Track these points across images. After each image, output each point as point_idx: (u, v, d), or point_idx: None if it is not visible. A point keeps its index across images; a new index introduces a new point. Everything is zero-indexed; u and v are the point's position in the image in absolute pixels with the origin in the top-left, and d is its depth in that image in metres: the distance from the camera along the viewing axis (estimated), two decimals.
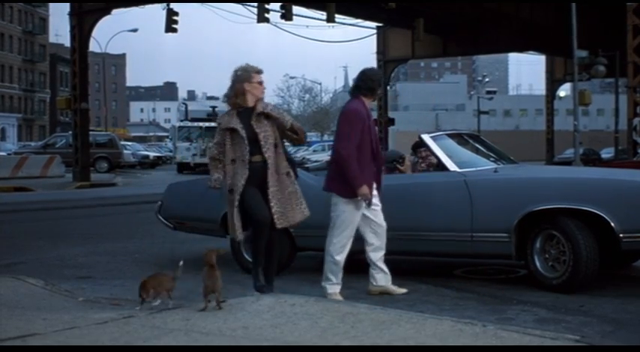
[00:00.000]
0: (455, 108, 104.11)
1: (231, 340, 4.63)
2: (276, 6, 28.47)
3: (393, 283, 6.94)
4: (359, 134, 6.43)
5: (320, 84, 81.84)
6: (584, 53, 28.83)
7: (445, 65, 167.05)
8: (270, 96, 64.78)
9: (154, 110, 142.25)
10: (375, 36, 40.99)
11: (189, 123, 40.24)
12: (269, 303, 5.53)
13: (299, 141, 6.52)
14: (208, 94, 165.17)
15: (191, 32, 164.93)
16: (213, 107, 44.04)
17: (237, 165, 6.26)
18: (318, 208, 6.69)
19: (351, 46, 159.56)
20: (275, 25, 30.55)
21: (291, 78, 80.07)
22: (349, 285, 6.85)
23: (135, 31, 60.78)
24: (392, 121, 40.94)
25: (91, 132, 32.22)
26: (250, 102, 6.32)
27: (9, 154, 38.49)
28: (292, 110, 73.87)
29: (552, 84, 47.57)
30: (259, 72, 6.41)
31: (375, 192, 6.62)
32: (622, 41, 24.17)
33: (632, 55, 22.13)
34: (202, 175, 13.56)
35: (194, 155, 38.05)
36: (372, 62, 40.28)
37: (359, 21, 37.08)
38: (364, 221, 6.68)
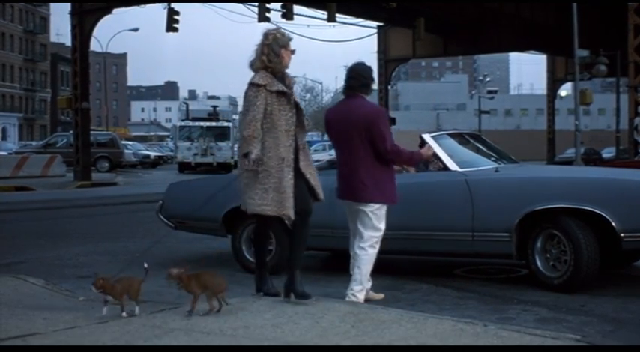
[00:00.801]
0: (456, 108, 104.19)
1: (232, 339, 4.63)
2: (277, 5, 28.51)
3: (393, 283, 6.93)
4: (390, 131, 6.28)
5: (321, 83, 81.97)
6: (585, 53, 28.83)
7: (446, 65, 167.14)
8: None
9: (154, 109, 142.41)
10: (376, 35, 41.02)
11: (190, 123, 40.23)
12: (270, 303, 5.53)
13: None
14: (209, 94, 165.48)
15: (192, 32, 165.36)
16: (214, 106, 44.07)
17: (279, 134, 5.66)
18: (320, 207, 6.67)
19: (352, 45, 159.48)
20: (276, 25, 30.53)
21: (292, 77, 79.94)
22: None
23: (136, 30, 60.87)
24: (393, 121, 40.69)
25: (92, 132, 32.24)
26: (284, 70, 5.87)
27: (10, 154, 38.51)
28: None
29: (553, 83, 47.63)
30: (291, 40, 5.94)
31: None
32: (623, 40, 24.16)
33: (633, 54, 22.12)
34: (203, 175, 13.55)
35: (195, 154, 38.06)
36: (373, 62, 40.29)
37: (360, 20, 37.17)
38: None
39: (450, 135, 8.25)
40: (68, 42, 34.79)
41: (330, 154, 25.52)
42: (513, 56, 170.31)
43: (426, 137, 7.66)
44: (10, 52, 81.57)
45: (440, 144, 7.60)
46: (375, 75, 6.78)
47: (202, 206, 8.38)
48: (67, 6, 29.50)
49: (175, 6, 28.96)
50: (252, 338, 4.66)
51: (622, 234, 6.56)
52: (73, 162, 28.61)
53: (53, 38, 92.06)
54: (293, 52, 5.88)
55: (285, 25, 42.84)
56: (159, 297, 6.16)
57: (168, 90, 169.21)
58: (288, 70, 5.92)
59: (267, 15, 27.64)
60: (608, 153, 45.42)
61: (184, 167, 38.01)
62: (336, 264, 8.01)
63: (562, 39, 30.63)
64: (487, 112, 69.24)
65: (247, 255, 8.02)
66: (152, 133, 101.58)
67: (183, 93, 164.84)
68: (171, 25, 29.05)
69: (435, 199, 7.43)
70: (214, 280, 5.19)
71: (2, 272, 7.72)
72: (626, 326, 5.69)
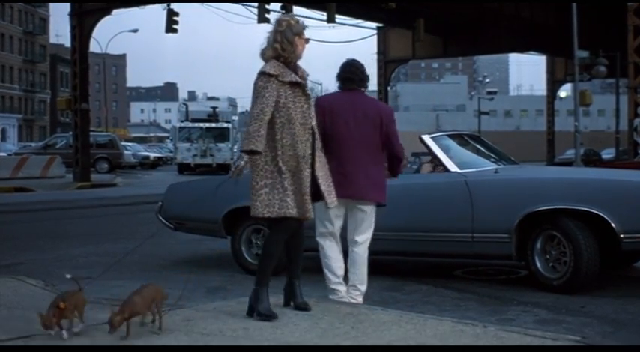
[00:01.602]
0: (455, 109, 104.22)
1: (232, 340, 4.64)
2: (277, 6, 28.54)
3: (393, 284, 6.93)
4: None
5: (321, 84, 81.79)
6: (584, 53, 28.85)
7: (446, 65, 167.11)
8: None
9: (154, 110, 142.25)
10: (375, 36, 41.01)
11: (190, 124, 40.21)
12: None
13: None
14: (209, 95, 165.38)
15: (191, 33, 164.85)
16: (214, 107, 44.01)
17: (296, 130, 5.24)
18: None
19: (352, 46, 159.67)
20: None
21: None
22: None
23: (135, 31, 60.84)
24: None
25: (91, 133, 32.26)
26: (297, 59, 5.43)
27: (9, 155, 38.49)
28: None
29: (553, 84, 47.64)
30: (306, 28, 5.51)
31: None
32: (623, 42, 24.20)
33: (632, 55, 22.16)
34: (203, 176, 13.52)
35: (195, 155, 38.04)
36: (372, 62, 40.28)
37: (359, 21, 37.15)
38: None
39: (450, 136, 8.26)
40: (68, 43, 34.79)
41: None
42: (513, 57, 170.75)
43: (426, 138, 7.66)
44: (9, 53, 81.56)
45: (439, 145, 7.61)
46: (375, 76, 6.77)
47: (202, 207, 8.38)
48: (67, 7, 29.50)
49: (175, 7, 28.99)
50: (252, 338, 4.66)
51: (622, 235, 6.56)
52: (73, 163, 28.59)
53: (53, 39, 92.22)
54: (307, 41, 5.45)
55: None
56: None
57: (168, 92, 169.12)
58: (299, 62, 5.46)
59: (266, 16, 27.64)
60: (607, 154, 45.40)
61: (184, 168, 37.99)
62: None
63: (562, 40, 30.64)
64: (487, 113, 69.29)
65: (247, 256, 8.03)
66: (151, 134, 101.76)
67: (182, 94, 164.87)
68: (171, 26, 29.06)
69: (434, 200, 7.42)
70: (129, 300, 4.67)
71: (2, 274, 7.72)
72: (626, 328, 5.69)
